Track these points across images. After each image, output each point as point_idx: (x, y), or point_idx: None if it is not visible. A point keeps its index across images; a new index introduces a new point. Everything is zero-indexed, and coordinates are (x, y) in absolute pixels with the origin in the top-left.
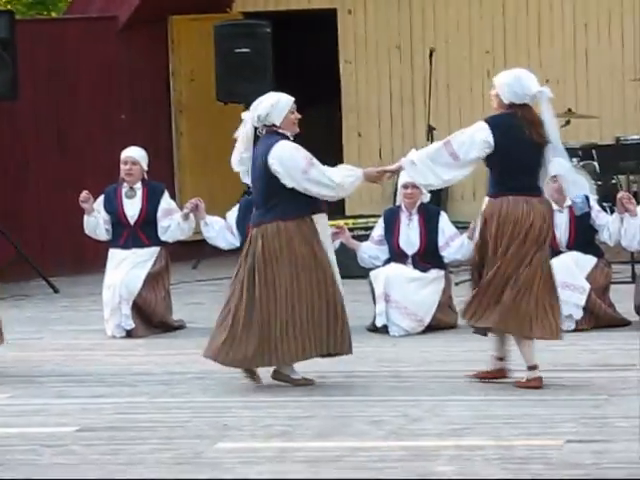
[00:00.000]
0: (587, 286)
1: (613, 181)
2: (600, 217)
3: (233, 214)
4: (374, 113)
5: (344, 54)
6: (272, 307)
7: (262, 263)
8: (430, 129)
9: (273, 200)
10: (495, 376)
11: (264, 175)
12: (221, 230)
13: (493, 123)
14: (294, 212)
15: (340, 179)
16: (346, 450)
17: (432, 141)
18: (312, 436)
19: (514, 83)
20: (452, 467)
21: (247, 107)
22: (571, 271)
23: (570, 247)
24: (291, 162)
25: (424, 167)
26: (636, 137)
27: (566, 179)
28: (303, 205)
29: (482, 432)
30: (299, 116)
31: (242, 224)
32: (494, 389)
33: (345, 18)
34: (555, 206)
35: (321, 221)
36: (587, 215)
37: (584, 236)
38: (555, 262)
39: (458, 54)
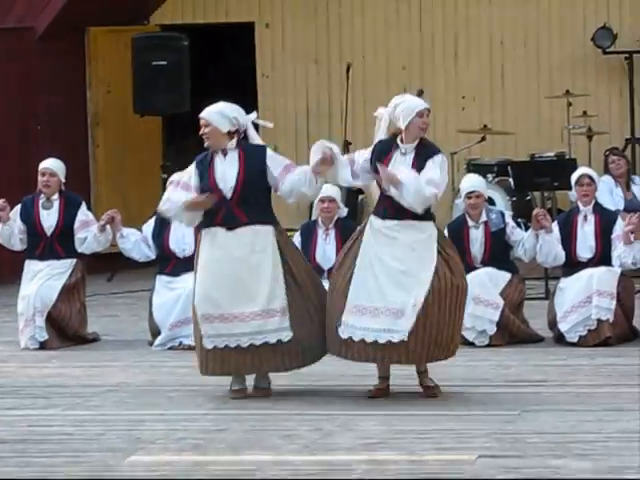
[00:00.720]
0: (501, 302)
1: (528, 197)
2: (515, 233)
3: (149, 227)
4: (291, 127)
5: (261, 68)
6: None
7: None
8: (346, 144)
9: None
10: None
11: None
12: (137, 242)
13: None
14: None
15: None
16: (259, 464)
17: None
18: (225, 450)
19: None
20: None
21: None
22: (485, 287)
23: (485, 263)
24: None
25: (411, 195)
26: (550, 154)
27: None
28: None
29: (395, 446)
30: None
31: (158, 237)
32: (407, 404)
33: (262, 32)
34: (470, 222)
35: (207, 237)
36: (502, 231)
37: (499, 252)
38: (470, 277)
39: (375, 69)
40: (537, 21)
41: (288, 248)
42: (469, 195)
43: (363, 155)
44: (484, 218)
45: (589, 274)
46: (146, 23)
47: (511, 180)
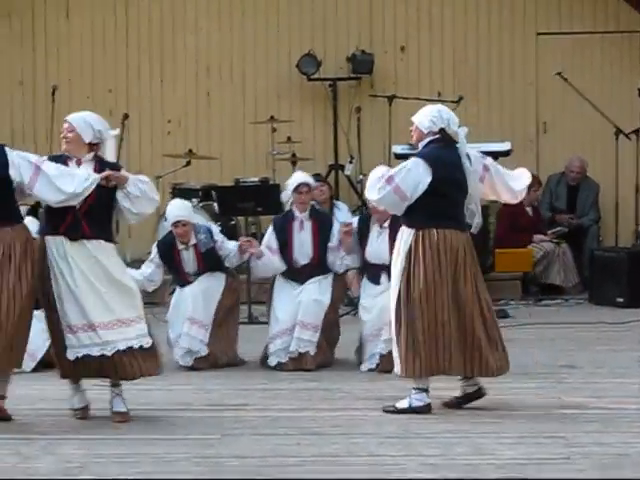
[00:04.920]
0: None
1: (232, 222)
2: (224, 248)
3: None
4: None
5: None
6: None
7: None
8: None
9: None
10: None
11: None
12: None
13: None
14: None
15: None
16: None
17: None
18: None
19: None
20: None
21: None
22: (200, 305)
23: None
24: None
25: None
26: (255, 179)
27: None
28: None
29: (95, 471)
30: None
31: None
32: (109, 427)
33: None
34: (180, 245)
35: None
36: (213, 249)
37: (213, 267)
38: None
39: (81, 92)
40: (243, 47)
41: None
42: (175, 224)
43: None
44: (193, 241)
45: (297, 301)
46: None
47: (216, 204)
